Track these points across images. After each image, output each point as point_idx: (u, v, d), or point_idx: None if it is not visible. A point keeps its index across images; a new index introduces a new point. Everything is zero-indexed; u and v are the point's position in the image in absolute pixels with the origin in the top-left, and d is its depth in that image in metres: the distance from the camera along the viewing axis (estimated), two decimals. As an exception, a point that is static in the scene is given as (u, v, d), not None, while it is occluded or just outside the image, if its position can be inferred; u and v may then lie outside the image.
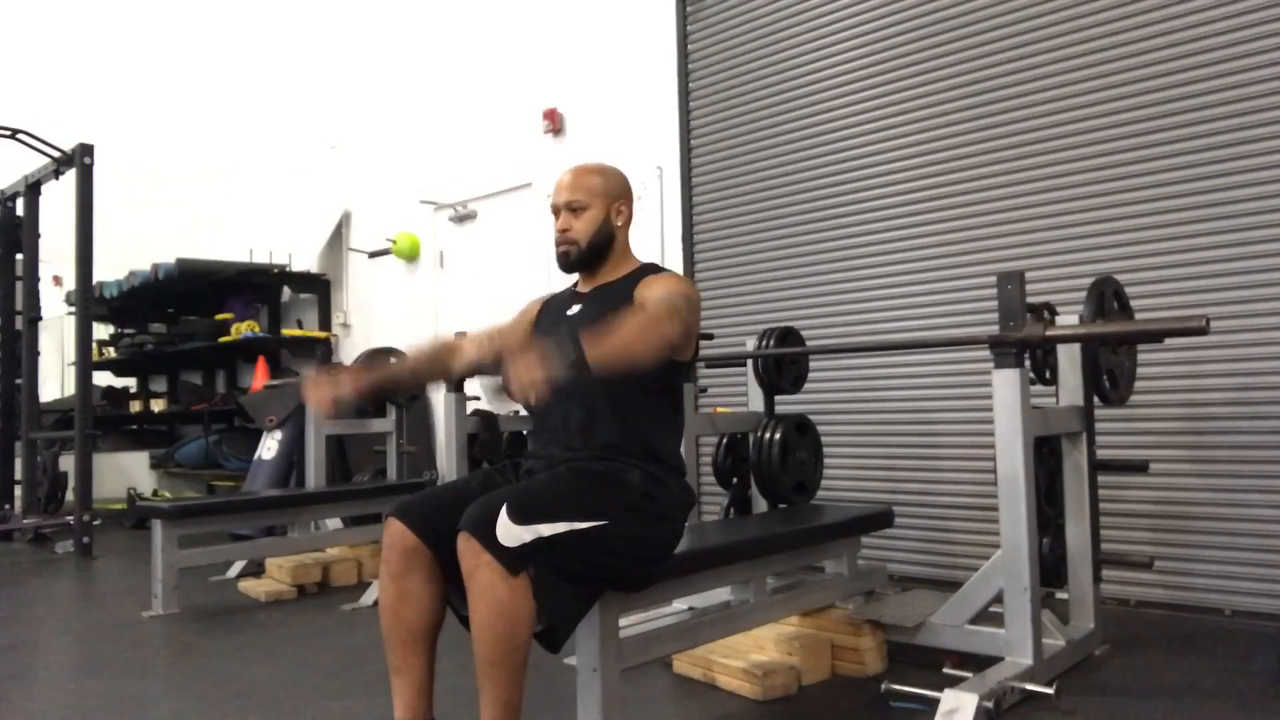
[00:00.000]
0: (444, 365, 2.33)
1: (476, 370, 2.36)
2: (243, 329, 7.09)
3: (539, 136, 5.50)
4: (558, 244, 2.21)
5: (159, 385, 8.78)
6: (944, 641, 2.66)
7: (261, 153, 7.89)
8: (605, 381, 2.09)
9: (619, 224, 2.24)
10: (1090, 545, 2.78)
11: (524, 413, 4.48)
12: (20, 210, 6.13)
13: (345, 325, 7.14)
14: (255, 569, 4.51)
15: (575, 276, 2.33)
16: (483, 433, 4.15)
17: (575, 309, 2.22)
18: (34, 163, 5.86)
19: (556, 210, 2.22)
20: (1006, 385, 2.47)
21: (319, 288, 7.30)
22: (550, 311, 2.31)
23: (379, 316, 6.84)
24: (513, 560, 1.77)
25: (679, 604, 2.77)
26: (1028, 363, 2.52)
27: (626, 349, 1.82)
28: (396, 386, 2.29)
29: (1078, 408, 2.80)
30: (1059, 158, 3.62)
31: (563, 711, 2.25)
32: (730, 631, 2.49)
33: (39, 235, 6.09)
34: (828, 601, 2.83)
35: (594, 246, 2.20)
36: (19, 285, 6.24)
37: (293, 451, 5.51)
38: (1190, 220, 3.33)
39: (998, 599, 2.54)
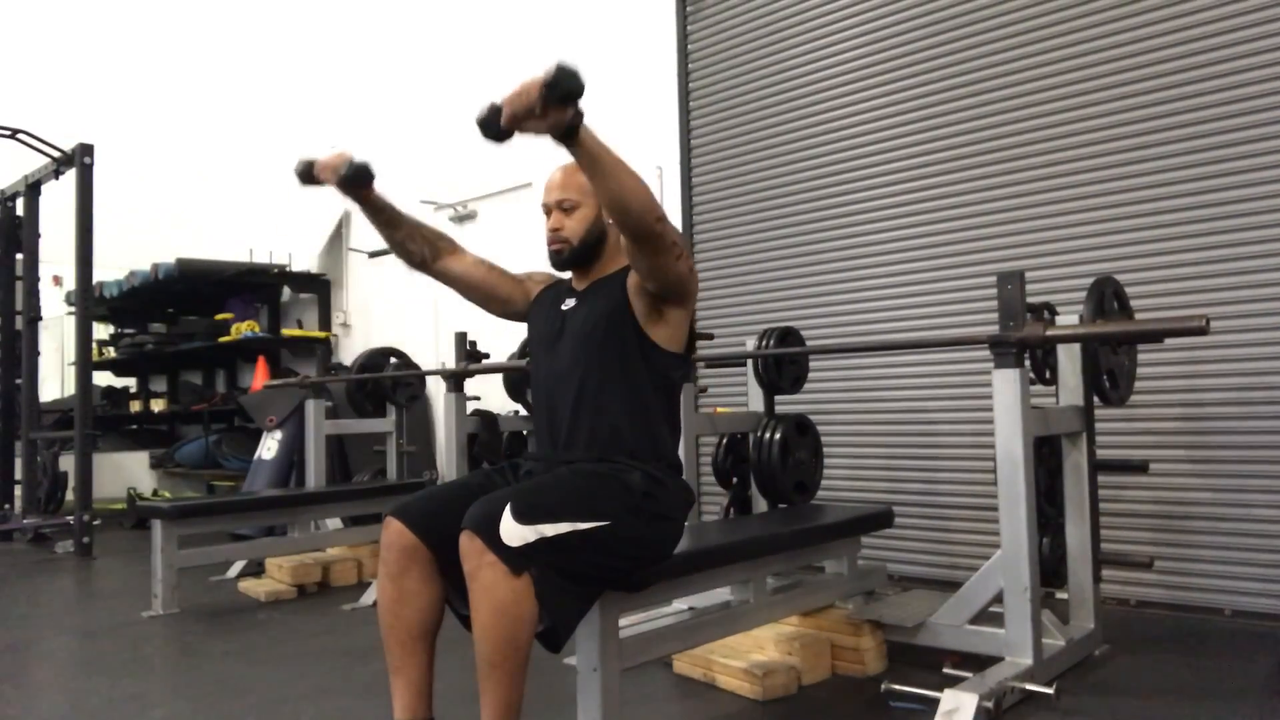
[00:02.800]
0: (433, 246, 2.30)
1: (452, 279, 2.32)
2: (243, 329, 7.09)
3: (539, 136, 5.49)
4: (550, 243, 2.21)
5: (159, 385, 8.78)
6: (944, 641, 2.66)
7: (261, 153, 7.89)
8: (605, 382, 2.10)
9: (610, 222, 2.24)
10: (1090, 545, 2.78)
11: (524, 413, 4.49)
12: (20, 210, 6.13)
13: (345, 325, 7.13)
14: (255, 569, 4.51)
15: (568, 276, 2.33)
16: (483, 433, 4.15)
17: (570, 304, 2.22)
18: (34, 163, 5.86)
19: (548, 210, 2.22)
20: (1006, 385, 2.47)
21: (319, 288, 7.30)
22: (547, 303, 2.31)
23: (379, 316, 6.84)
24: (516, 560, 1.77)
25: (679, 604, 2.77)
26: (1028, 363, 2.52)
27: (625, 170, 1.81)
28: (386, 221, 2.26)
29: (1078, 408, 2.80)
30: (1059, 158, 3.62)
31: (563, 711, 2.25)
32: (730, 631, 2.49)
33: (39, 235, 6.09)
34: (828, 601, 2.83)
35: (586, 245, 2.19)
36: (19, 285, 6.24)
37: (293, 451, 5.51)
38: (1190, 220, 3.33)
39: (998, 599, 2.54)
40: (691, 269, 2.05)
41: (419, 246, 2.31)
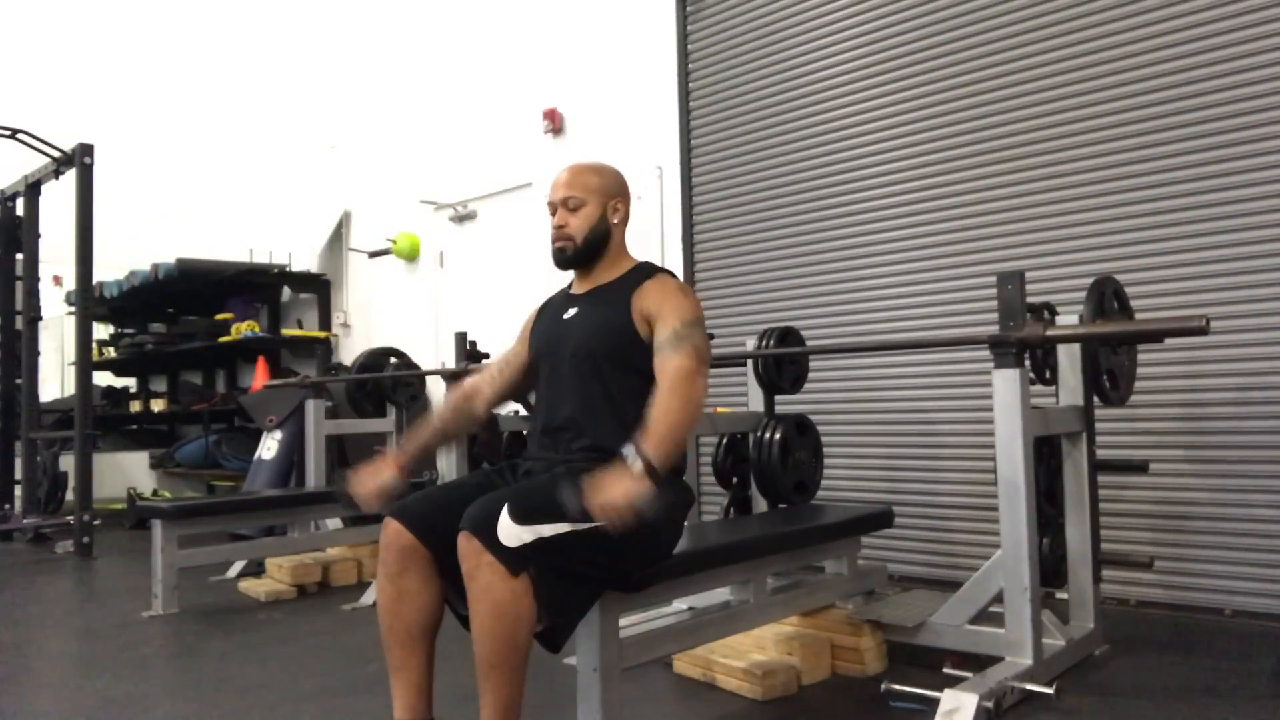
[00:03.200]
0: (469, 413, 2.36)
1: (500, 403, 2.40)
2: (243, 329, 7.09)
3: (539, 136, 5.50)
4: (554, 240, 2.22)
5: (159, 385, 8.79)
6: (944, 641, 2.66)
7: (261, 153, 7.89)
8: (605, 384, 2.10)
9: (615, 222, 2.24)
10: (1090, 545, 2.78)
11: (524, 413, 4.49)
12: (20, 210, 6.13)
13: (345, 325, 7.13)
14: (255, 569, 4.51)
15: (569, 278, 2.34)
16: (483, 433, 4.14)
17: (572, 312, 2.22)
18: (34, 163, 5.86)
19: (553, 207, 2.23)
20: (1006, 385, 2.47)
21: (319, 288, 7.30)
22: (547, 315, 2.31)
23: (379, 316, 6.84)
24: (514, 560, 1.77)
25: (679, 604, 2.77)
26: (1028, 363, 2.52)
27: (682, 433, 1.94)
28: (432, 451, 2.35)
29: (1078, 408, 2.80)
30: (1059, 158, 3.62)
31: (563, 711, 2.25)
32: (730, 631, 2.49)
33: (39, 235, 6.10)
34: (828, 601, 2.83)
35: (590, 243, 2.20)
36: (19, 285, 6.24)
37: (293, 451, 5.51)
38: (1190, 220, 3.33)
39: (998, 599, 2.54)
40: (701, 323, 2.13)
41: (464, 424, 2.39)
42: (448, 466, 3.96)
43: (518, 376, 2.36)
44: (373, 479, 2.13)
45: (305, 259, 7.34)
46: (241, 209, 8.04)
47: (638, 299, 2.13)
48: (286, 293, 7.58)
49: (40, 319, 6.20)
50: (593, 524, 1.88)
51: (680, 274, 4.75)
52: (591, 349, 2.12)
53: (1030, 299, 2.58)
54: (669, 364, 2.02)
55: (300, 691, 2.70)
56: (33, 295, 6.11)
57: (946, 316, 3.89)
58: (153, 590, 3.82)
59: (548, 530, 1.82)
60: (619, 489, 1.77)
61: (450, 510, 1.89)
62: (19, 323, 6.22)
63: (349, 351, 6.92)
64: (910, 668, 2.65)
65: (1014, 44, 3.74)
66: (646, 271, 2.23)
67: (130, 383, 9.11)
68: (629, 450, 1.85)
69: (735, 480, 3.50)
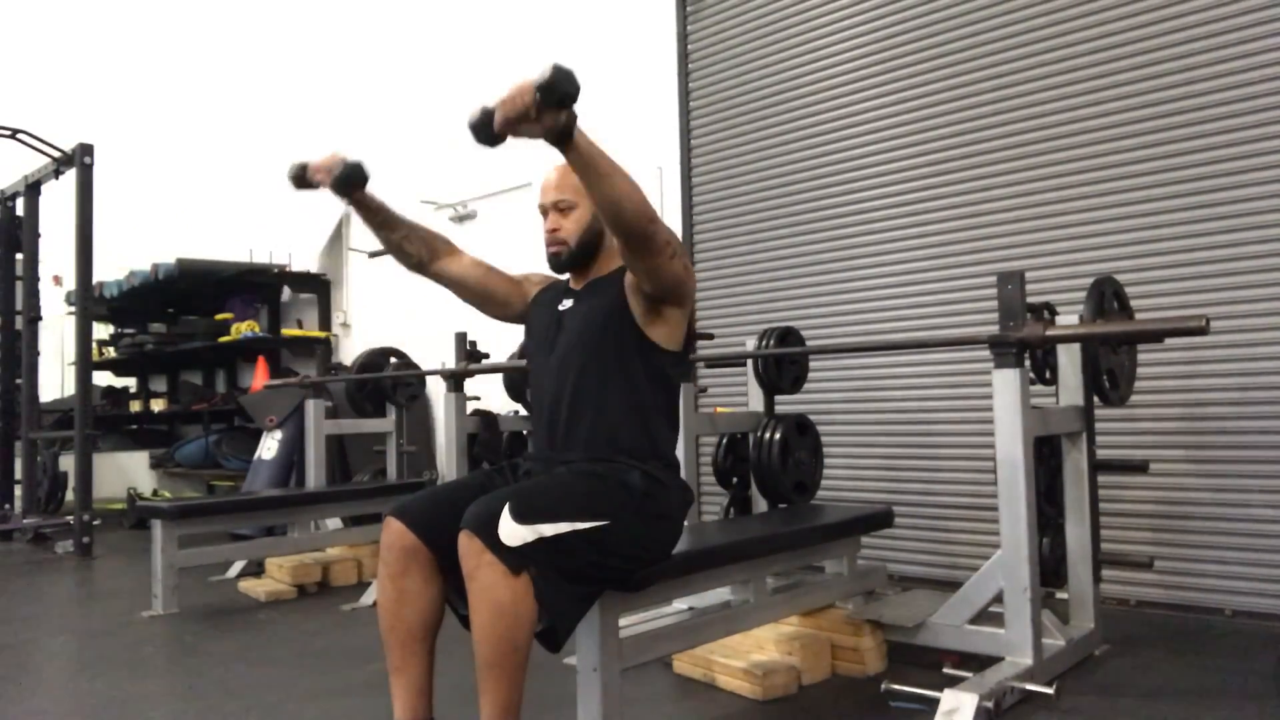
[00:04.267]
0: (431, 247, 2.30)
1: (447, 277, 2.31)
2: (243, 329, 7.09)
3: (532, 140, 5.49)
4: (548, 245, 2.21)
5: (159, 385, 8.79)
6: (944, 641, 2.66)
7: (261, 153, 7.88)
8: (603, 382, 2.10)
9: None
10: (1090, 545, 2.78)
11: (524, 412, 4.49)
12: (20, 210, 6.14)
13: (345, 325, 7.13)
14: (255, 569, 4.51)
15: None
16: (483, 433, 4.15)
17: (568, 304, 2.22)
18: (34, 163, 5.86)
19: (544, 210, 2.21)
20: (1006, 385, 2.47)
21: (319, 288, 7.30)
22: (544, 304, 2.30)
23: (379, 316, 6.84)
24: (515, 560, 1.77)
25: (679, 604, 2.77)
26: (1028, 363, 2.52)
27: (619, 173, 1.81)
28: (380, 217, 2.27)
29: (1078, 408, 2.80)
30: (1059, 158, 3.62)
31: (563, 711, 2.25)
32: (730, 631, 2.49)
33: (39, 235, 6.10)
34: (828, 601, 2.83)
35: (584, 245, 2.19)
36: (19, 285, 6.24)
37: (293, 451, 5.51)
38: (1190, 220, 3.33)
39: (998, 599, 2.54)
40: (687, 268, 2.05)
41: (416, 248, 2.31)
42: (448, 466, 3.96)
43: (483, 281, 2.30)
44: (326, 162, 2.15)
45: (305, 259, 7.34)
46: (241, 209, 8.03)
47: (628, 278, 2.10)
48: (286, 293, 7.58)
49: (40, 319, 6.21)
50: (595, 523, 1.89)
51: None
52: (587, 340, 2.12)
53: (1030, 299, 2.58)
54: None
55: (300, 691, 2.70)
56: (33, 295, 6.11)
57: (946, 316, 3.89)
58: (153, 590, 3.82)
59: (549, 530, 1.82)
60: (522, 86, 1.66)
61: (451, 510, 1.89)
62: (19, 323, 6.22)
63: (349, 351, 6.92)
64: (910, 668, 2.65)
65: (1014, 44, 3.74)
66: None
67: (130, 383, 9.12)
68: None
69: (735, 480, 3.50)
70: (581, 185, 2.14)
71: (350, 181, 2.14)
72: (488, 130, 1.68)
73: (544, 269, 2.34)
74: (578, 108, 1.72)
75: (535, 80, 1.63)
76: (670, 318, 2.10)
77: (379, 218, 2.27)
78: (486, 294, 2.34)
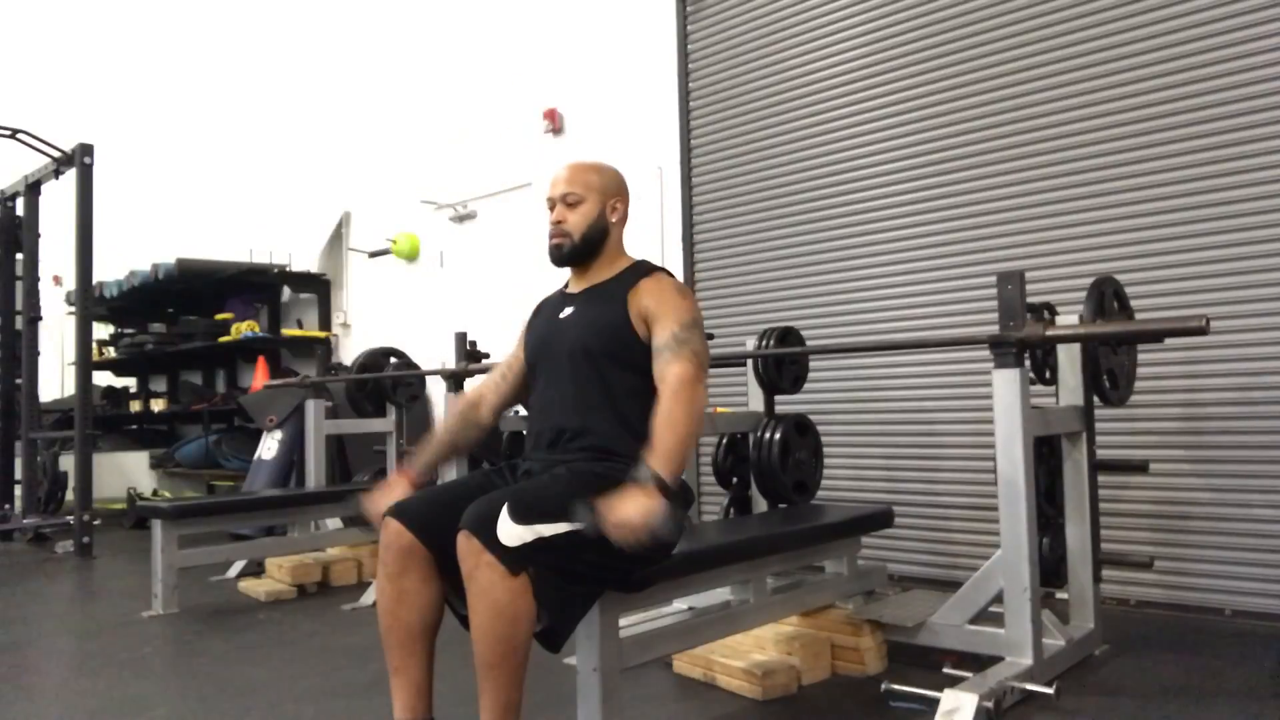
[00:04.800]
0: (475, 421, 2.36)
1: (505, 410, 2.40)
2: (243, 329, 7.09)
3: (539, 136, 5.50)
4: (551, 236, 2.21)
5: (159, 385, 8.79)
6: (944, 641, 2.66)
7: (261, 153, 7.89)
8: (603, 384, 2.10)
9: (613, 221, 2.24)
10: (1090, 545, 2.78)
11: (524, 413, 4.48)
12: (20, 210, 6.13)
13: (345, 325, 7.13)
14: (255, 569, 4.51)
15: (565, 276, 2.33)
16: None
17: (568, 311, 2.22)
18: (34, 163, 5.86)
19: (551, 203, 2.22)
20: (1006, 385, 2.47)
21: (319, 288, 7.30)
22: (543, 315, 2.31)
23: (379, 316, 6.84)
24: (513, 560, 1.77)
25: (679, 604, 2.77)
26: (1028, 363, 2.52)
27: (689, 442, 1.96)
28: (442, 463, 2.35)
29: (1078, 408, 2.80)
30: (1059, 158, 3.62)
31: (563, 711, 2.25)
32: (730, 631, 2.49)
33: (39, 235, 6.10)
34: (828, 601, 2.83)
35: (587, 240, 2.20)
36: (19, 285, 6.24)
37: (293, 451, 5.51)
38: (1190, 220, 3.33)
39: (998, 599, 2.54)
40: (699, 324, 2.12)
41: (472, 433, 2.36)
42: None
43: (519, 381, 2.36)
44: (386, 496, 2.13)
45: (305, 259, 7.34)
46: (241, 209, 8.04)
47: (634, 297, 2.12)
48: (286, 293, 7.58)
49: (40, 319, 6.20)
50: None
51: (680, 274, 4.75)
52: (588, 347, 2.12)
53: (1030, 299, 2.58)
54: (669, 371, 2.02)
55: (300, 691, 2.70)
56: (33, 295, 6.11)
57: (946, 316, 3.89)
58: (153, 590, 3.82)
59: (547, 530, 1.82)
60: (634, 508, 1.79)
61: (450, 510, 1.89)
62: (19, 323, 6.22)
63: (349, 351, 6.92)
64: (910, 668, 2.65)
65: (1014, 44, 3.74)
66: (643, 270, 2.22)
67: (130, 383, 9.12)
68: (641, 470, 1.87)
69: (735, 480, 3.50)
70: (593, 182, 2.18)
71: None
72: (596, 530, 1.81)
73: (545, 267, 2.34)
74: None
75: (651, 535, 1.79)
76: None
77: (441, 463, 2.34)
78: (523, 379, 2.36)
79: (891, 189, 4.10)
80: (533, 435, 2.22)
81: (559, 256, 2.23)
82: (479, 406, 2.36)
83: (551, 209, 2.22)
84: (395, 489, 2.15)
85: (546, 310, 2.31)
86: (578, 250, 2.20)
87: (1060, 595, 2.83)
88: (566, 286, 2.32)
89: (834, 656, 2.72)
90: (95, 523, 5.42)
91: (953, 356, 3.88)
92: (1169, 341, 3.16)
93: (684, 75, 4.91)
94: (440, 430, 2.37)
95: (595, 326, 2.13)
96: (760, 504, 3.37)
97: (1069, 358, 2.82)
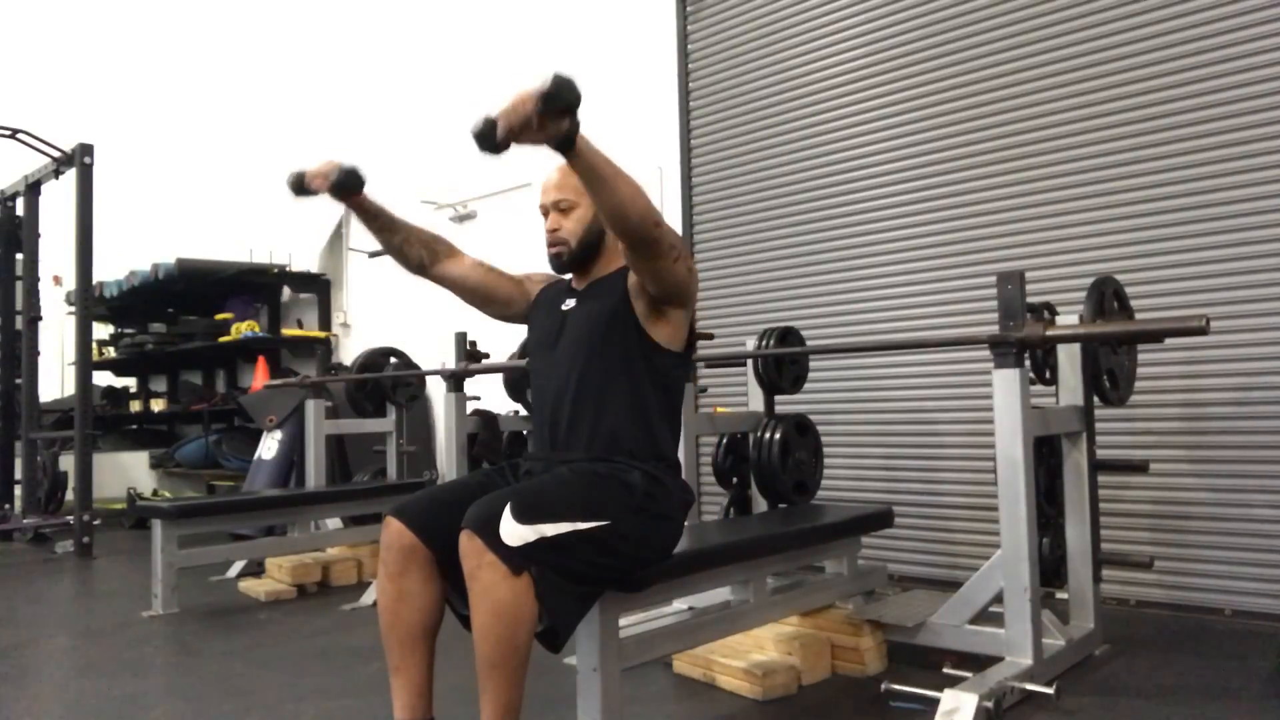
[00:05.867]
0: (431, 250, 2.31)
1: (448, 279, 2.31)
2: (243, 329, 7.09)
3: (536, 147, 5.49)
4: (549, 245, 2.21)
5: (159, 385, 8.78)
6: (944, 641, 2.66)
7: (261, 153, 7.89)
8: (605, 382, 2.10)
9: None
10: (1090, 545, 2.78)
11: (524, 412, 4.49)
12: (20, 210, 6.13)
13: (345, 325, 7.13)
14: (255, 569, 4.51)
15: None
16: (483, 433, 4.15)
17: (570, 303, 2.22)
18: (34, 163, 5.86)
19: (545, 210, 2.21)
20: (1006, 385, 2.47)
21: (319, 288, 7.30)
22: (546, 303, 2.31)
23: (379, 316, 6.84)
24: (516, 560, 1.77)
25: (679, 604, 2.77)
26: (1028, 363, 2.52)
27: (622, 178, 1.81)
28: (379, 221, 2.28)
29: (1078, 408, 2.80)
30: (1059, 158, 3.62)
31: (563, 711, 2.25)
32: (730, 631, 2.49)
33: (39, 235, 6.09)
34: (828, 601, 2.83)
35: (585, 245, 2.19)
36: (19, 285, 6.24)
37: (293, 451, 5.51)
38: (1190, 220, 3.33)
39: (998, 599, 2.54)
40: (691, 269, 2.05)
41: (416, 250, 2.32)
42: (448, 466, 3.96)
43: (484, 281, 2.31)
44: (324, 169, 2.15)
45: (305, 259, 7.34)
46: (241, 209, 8.04)
47: (632, 278, 2.10)
48: (286, 293, 7.58)
49: (40, 319, 6.20)
50: (595, 523, 1.89)
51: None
52: (590, 340, 2.12)
53: (1030, 299, 2.58)
54: None
55: (300, 691, 2.70)
56: (33, 295, 6.11)
57: (946, 316, 3.89)
58: (153, 590, 3.82)
59: (550, 530, 1.82)
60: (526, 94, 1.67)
61: (451, 510, 1.89)
62: (19, 323, 6.22)
63: (349, 351, 6.92)
64: (910, 668, 2.65)
65: (1014, 44, 3.74)
66: None
67: (130, 383, 9.11)
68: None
69: (735, 480, 3.50)
70: (583, 186, 2.15)
71: (347, 187, 2.16)
72: (491, 139, 1.70)
73: (545, 268, 2.34)
74: (580, 112, 1.73)
75: (537, 89, 1.64)
76: (673, 318, 2.10)
77: (379, 222, 2.28)
78: (488, 295, 2.34)
79: (891, 189, 4.10)
80: (534, 434, 2.22)
81: (559, 266, 2.23)
82: (449, 255, 2.32)
83: (545, 216, 2.21)
84: (330, 167, 2.15)
85: (550, 298, 2.30)
86: (576, 257, 2.20)
87: (1060, 595, 2.83)
88: (570, 279, 2.31)
89: (834, 656, 2.72)
90: (95, 523, 5.42)
91: (953, 356, 3.88)
92: (1169, 341, 3.16)
93: (684, 75, 4.91)
94: (409, 221, 2.30)
95: (596, 316, 2.13)
96: (760, 504, 3.37)
97: (1069, 358, 2.82)
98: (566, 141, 1.73)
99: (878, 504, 3.55)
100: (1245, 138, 3.21)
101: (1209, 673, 2.64)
